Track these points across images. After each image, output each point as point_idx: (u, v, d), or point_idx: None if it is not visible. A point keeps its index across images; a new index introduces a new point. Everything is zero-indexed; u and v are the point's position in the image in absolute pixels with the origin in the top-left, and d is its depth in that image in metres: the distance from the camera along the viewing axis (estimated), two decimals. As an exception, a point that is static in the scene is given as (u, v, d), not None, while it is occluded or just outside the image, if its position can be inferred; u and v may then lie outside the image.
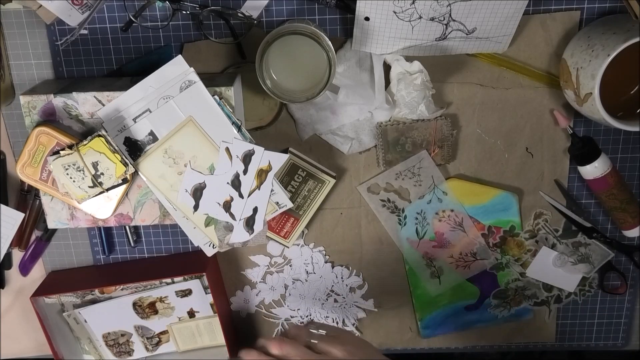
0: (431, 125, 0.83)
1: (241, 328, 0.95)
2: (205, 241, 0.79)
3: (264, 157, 0.75)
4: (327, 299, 0.93)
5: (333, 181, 0.84)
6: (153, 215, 0.80)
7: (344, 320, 0.94)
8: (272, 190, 0.77)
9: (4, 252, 0.85)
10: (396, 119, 0.82)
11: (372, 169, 0.86)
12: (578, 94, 0.74)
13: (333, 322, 0.94)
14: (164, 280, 0.88)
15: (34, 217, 0.87)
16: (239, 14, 0.77)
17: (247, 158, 0.75)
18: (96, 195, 0.75)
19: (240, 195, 0.77)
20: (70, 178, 0.74)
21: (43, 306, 0.88)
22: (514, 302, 0.93)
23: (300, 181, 0.84)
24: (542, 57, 0.81)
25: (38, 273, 0.92)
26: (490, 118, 0.84)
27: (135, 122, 0.74)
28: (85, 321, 0.91)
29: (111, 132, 0.74)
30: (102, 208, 0.78)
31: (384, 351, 0.97)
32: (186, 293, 0.89)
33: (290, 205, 0.79)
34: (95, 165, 0.73)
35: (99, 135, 0.72)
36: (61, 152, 0.73)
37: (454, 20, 0.74)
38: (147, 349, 0.93)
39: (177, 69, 0.72)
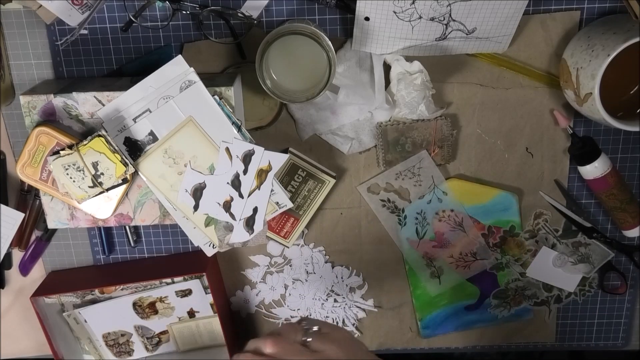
0: (431, 125, 0.83)
1: (241, 328, 0.95)
2: (205, 241, 0.79)
3: (264, 157, 0.75)
4: (327, 299, 0.93)
5: (333, 181, 0.84)
6: (153, 215, 0.80)
7: (344, 320, 0.94)
8: (272, 190, 0.77)
9: (4, 252, 0.85)
10: (396, 119, 0.82)
11: (372, 169, 0.86)
12: (578, 94, 0.74)
13: (333, 322, 0.94)
14: (164, 280, 0.88)
15: (34, 217, 0.87)
16: (239, 14, 0.77)
17: (247, 158, 0.75)
18: (96, 195, 0.75)
19: (240, 195, 0.77)
20: (70, 178, 0.74)
21: (43, 306, 0.88)
22: (514, 302, 0.93)
23: (300, 181, 0.84)
24: (542, 57, 0.81)
25: (38, 273, 0.92)
26: (490, 118, 0.84)
27: (135, 122, 0.74)
28: (85, 321, 0.91)
29: (111, 132, 0.74)
30: (102, 208, 0.78)
31: (384, 351, 0.97)
32: (186, 293, 0.89)
33: (290, 205, 0.79)
34: (95, 165, 0.73)
35: (99, 135, 0.72)
36: (61, 152, 0.73)
37: (454, 20, 0.74)
38: (147, 349, 0.93)
39: (177, 69, 0.72)
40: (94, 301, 0.90)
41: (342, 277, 0.92)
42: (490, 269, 0.91)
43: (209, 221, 0.78)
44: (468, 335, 0.96)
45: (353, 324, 0.94)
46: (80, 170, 0.73)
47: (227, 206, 0.77)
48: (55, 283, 0.89)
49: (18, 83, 0.82)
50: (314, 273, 0.92)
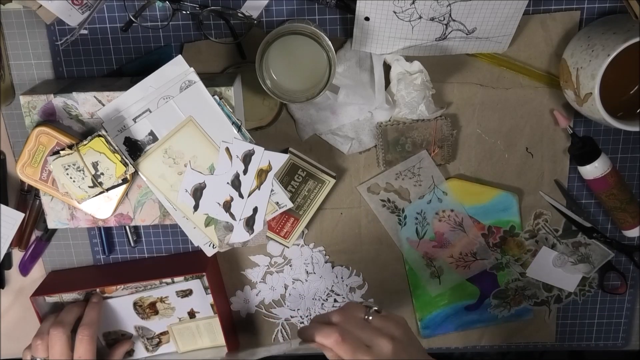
0: (431, 125, 0.83)
1: (241, 328, 0.95)
2: (205, 241, 0.79)
3: (264, 157, 0.75)
4: (327, 299, 0.93)
5: (333, 181, 0.84)
6: (153, 215, 0.80)
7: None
8: (272, 190, 0.77)
9: (4, 252, 0.85)
10: (396, 119, 0.82)
11: (372, 169, 0.86)
12: (578, 94, 0.74)
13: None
14: (164, 280, 0.88)
15: (34, 217, 0.87)
16: (239, 14, 0.77)
17: (247, 158, 0.75)
18: (96, 195, 0.75)
19: (240, 195, 0.77)
20: (70, 178, 0.74)
21: (43, 306, 0.88)
22: (514, 302, 0.93)
23: (300, 181, 0.84)
24: (542, 57, 0.81)
25: (38, 273, 0.92)
26: (490, 118, 0.84)
27: (135, 122, 0.74)
28: None
29: (111, 132, 0.74)
30: (102, 208, 0.78)
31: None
32: (187, 293, 0.89)
33: (290, 205, 0.79)
34: (95, 165, 0.73)
35: (99, 135, 0.72)
36: (61, 152, 0.73)
37: (454, 20, 0.74)
38: (147, 349, 0.93)
39: (177, 69, 0.72)
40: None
41: (342, 277, 0.92)
42: (490, 269, 0.91)
43: (209, 221, 0.78)
44: (468, 335, 0.96)
45: (353, 324, 0.94)
46: (80, 170, 0.73)
47: (227, 206, 0.77)
48: (55, 283, 0.89)
49: (18, 83, 0.82)
50: (314, 273, 0.92)
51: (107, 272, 0.90)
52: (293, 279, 0.92)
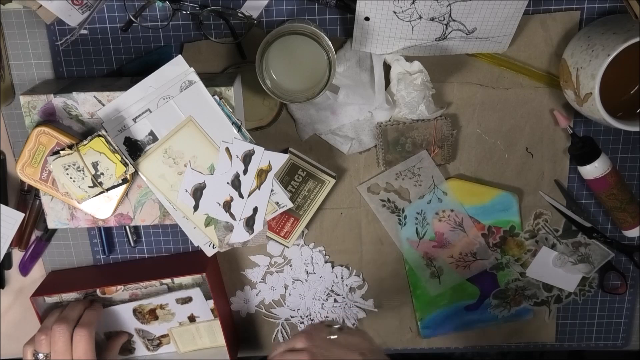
0: (431, 125, 0.83)
1: (241, 328, 0.95)
2: (205, 241, 0.79)
3: (264, 157, 0.75)
4: (327, 299, 0.93)
5: (333, 181, 0.84)
6: (153, 215, 0.80)
7: (344, 320, 0.94)
8: (272, 190, 0.77)
9: (4, 252, 0.85)
10: (396, 119, 0.82)
11: (372, 169, 0.86)
12: (578, 94, 0.74)
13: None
14: (164, 282, 0.88)
15: (34, 217, 0.87)
16: (239, 14, 0.77)
17: (247, 158, 0.75)
18: (96, 195, 0.75)
19: (240, 195, 0.77)
20: (70, 178, 0.74)
21: (43, 306, 0.88)
22: (514, 302, 0.93)
23: (300, 181, 0.84)
24: (542, 57, 0.81)
25: (38, 273, 0.92)
26: (490, 118, 0.84)
27: (135, 122, 0.74)
28: None
29: (111, 132, 0.74)
30: (102, 208, 0.78)
31: (384, 351, 0.97)
32: (186, 300, 0.88)
33: (290, 205, 0.79)
34: (95, 165, 0.73)
35: (99, 135, 0.72)
36: (61, 152, 0.73)
37: (454, 20, 0.74)
38: (148, 348, 0.93)
39: (177, 69, 0.72)
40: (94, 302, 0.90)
41: (342, 277, 0.92)
42: (490, 269, 0.91)
43: (209, 221, 0.78)
44: (468, 335, 0.96)
45: (353, 324, 0.94)
46: (80, 170, 0.73)
47: (227, 206, 0.77)
48: (55, 283, 0.89)
49: (18, 83, 0.82)
50: (314, 273, 0.92)
51: (107, 272, 0.90)
52: (293, 279, 0.92)
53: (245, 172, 0.76)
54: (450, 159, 0.85)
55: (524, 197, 0.88)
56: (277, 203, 0.78)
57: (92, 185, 0.74)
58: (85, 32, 0.79)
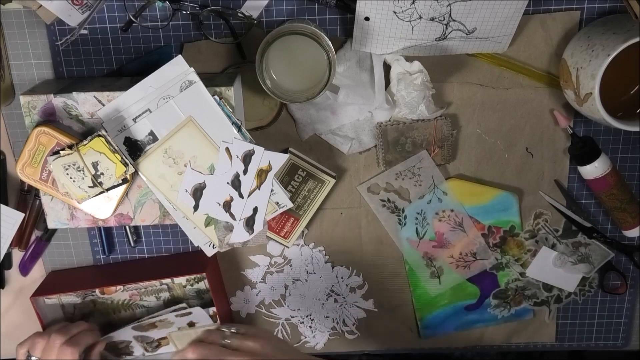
0: (431, 125, 0.83)
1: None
2: (205, 241, 0.79)
3: (264, 157, 0.75)
4: (327, 299, 0.93)
5: (333, 181, 0.84)
6: (153, 215, 0.80)
7: (344, 320, 0.94)
8: (272, 190, 0.77)
9: (4, 252, 0.85)
10: (396, 119, 0.82)
11: (372, 169, 0.86)
12: (578, 94, 0.74)
13: (333, 322, 0.94)
14: (164, 282, 0.88)
15: (34, 217, 0.87)
16: (239, 14, 0.77)
17: (247, 158, 0.75)
18: (96, 195, 0.75)
19: (240, 195, 0.77)
20: (70, 178, 0.74)
21: (43, 306, 0.88)
22: (514, 302, 0.93)
23: (300, 181, 0.84)
24: (542, 57, 0.81)
25: (38, 273, 0.92)
26: (490, 118, 0.84)
27: (135, 122, 0.74)
28: None
29: (111, 132, 0.74)
30: (102, 208, 0.78)
31: (384, 351, 0.97)
32: (185, 314, 0.88)
33: (290, 205, 0.79)
34: (95, 165, 0.73)
35: (99, 135, 0.72)
36: (61, 152, 0.73)
37: (454, 20, 0.74)
38: (146, 350, 0.93)
39: (177, 69, 0.72)
40: (94, 302, 0.90)
41: (342, 277, 0.92)
42: (490, 269, 0.91)
43: (209, 221, 0.78)
44: (468, 335, 0.96)
45: (353, 324, 0.94)
46: (80, 170, 0.73)
47: (227, 206, 0.77)
48: (55, 283, 0.89)
49: (18, 83, 0.82)
50: (314, 273, 0.92)
51: (107, 272, 0.90)
52: (293, 279, 0.92)
53: (245, 172, 0.76)
54: (450, 159, 0.85)
55: (524, 197, 0.88)
56: (277, 203, 0.78)
57: (92, 185, 0.74)
58: (85, 32, 0.79)
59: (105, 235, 0.89)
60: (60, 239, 0.90)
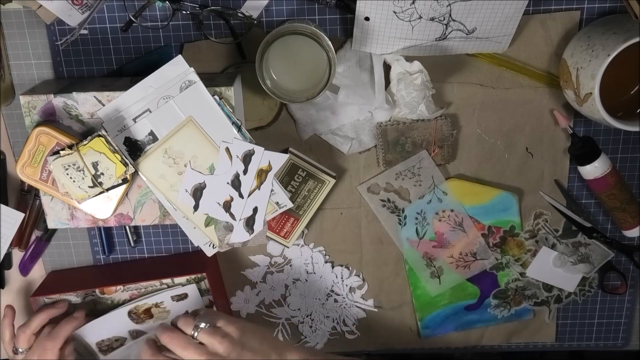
0: (431, 125, 0.83)
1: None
2: (205, 241, 0.79)
3: (264, 157, 0.75)
4: (327, 299, 0.93)
5: (333, 181, 0.84)
6: (153, 215, 0.80)
7: (344, 320, 0.94)
8: (272, 190, 0.77)
9: (4, 252, 0.85)
10: (396, 119, 0.82)
11: (372, 169, 0.86)
12: (578, 94, 0.74)
13: (333, 322, 0.94)
14: (164, 282, 0.88)
15: (34, 217, 0.87)
16: (239, 14, 0.77)
17: (247, 158, 0.75)
18: (96, 195, 0.75)
19: (240, 195, 0.77)
20: (70, 178, 0.74)
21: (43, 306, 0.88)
22: (514, 302, 0.93)
23: (300, 181, 0.84)
24: (542, 57, 0.81)
25: (38, 273, 0.92)
26: (490, 118, 0.84)
27: (135, 122, 0.74)
28: (82, 338, 0.89)
29: (111, 132, 0.74)
30: (102, 208, 0.78)
31: (384, 351, 0.97)
32: (182, 297, 0.88)
33: (290, 205, 0.79)
34: (95, 165, 0.73)
35: (99, 135, 0.72)
36: (61, 152, 0.73)
37: (454, 20, 0.74)
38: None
39: (177, 69, 0.72)
40: (94, 302, 0.90)
41: (342, 277, 0.92)
42: (490, 269, 0.91)
43: (209, 221, 0.78)
44: (468, 335, 0.96)
45: (353, 324, 0.94)
46: (80, 170, 0.73)
47: (227, 206, 0.77)
48: (55, 283, 0.89)
49: (18, 83, 0.82)
50: (314, 273, 0.92)
51: (107, 272, 0.90)
52: (293, 279, 0.92)
53: (245, 172, 0.76)
54: (450, 159, 0.85)
55: (524, 197, 0.88)
56: (277, 203, 0.78)
57: (92, 185, 0.74)
58: (85, 32, 0.79)
59: (105, 235, 0.89)
60: (60, 239, 0.90)
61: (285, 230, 0.87)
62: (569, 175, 0.87)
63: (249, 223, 0.78)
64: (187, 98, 0.73)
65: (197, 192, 0.76)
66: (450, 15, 0.74)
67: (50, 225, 0.80)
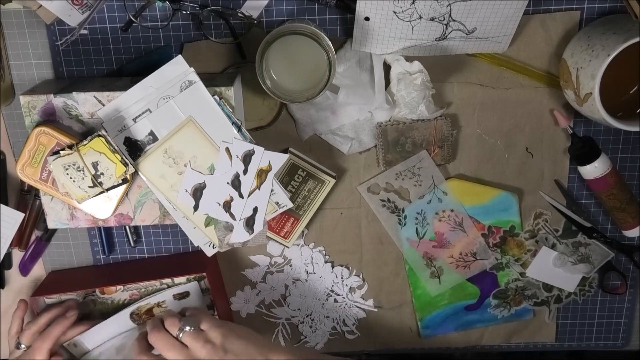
0: (431, 125, 0.83)
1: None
2: (205, 241, 0.79)
3: (264, 157, 0.75)
4: (327, 299, 0.93)
5: (333, 181, 0.84)
6: (153, 215, 0.80)
7: (344, 320, 0.94)
8: (272, 190, 0.77)
9: (4, 252, 0.85)
10: (396, 119, 0.82)
11: (372, 169, 0.86)
12: (578, 94, 0.74)
13: (333, 322, 0.94)
14: (164, 282, 0.88)
15: (34, 217, 0.87)
16: (239, 14, 0.77)
17: (247, 158, 0.75)
18: (96, 195, 0.75)
19: (240, 195, 0.77)
20: (70, 178, 0.74)
21: (43, 306, 0.88)
22: (514, 302, 0.93)
23: (300, 181, 0.84)
24: (542, 57, 0.81)
25: (38, 273, 0.92)
26: (490, 118, 0.84)
27: (135, 122, 0.74)
28: (83, 344, 0.89)
29: (111, 132, 0.74)
30: (102, 208, 0.78)
31: (384, 351, 0.97)
32: (183, 295, 0.88)
33: (290, 205, 0.79)
34: (95, 165, 0.73)
35: (99, 135, 0.72)
36: (61, 152, 0.73)
37: (454, 20, 0.74)
38: None
39: (177, 69, 0.72)
40: (94, 302, 0.90)
41: (342, 277, 0.92)
42: (490, 269, 0.91)
43: (209, 221, 0.78)
44: (468, 335, 0.96)
45: (353, 324, 0.94)
46: (80, 170, 0.73)
47: (227, 206, 0.77)
48: (55, 283, 0.89)
49: (18, 83, 0.82)
50: (314, 273, 0.92)
51: (107, 272, 0.90)
52: (293, 279, 0.92)
53: (245, 172, 0.76)
54: (450, 159, 0.85)
55: (524, 197, 0.88)
56: (277, 203, 0.78)
57: (92, 185, 0.74)
58: (85, 32, 0.79)
59: (105, 235, 0.89)
60: (60, 239, 0.90)
61: (285, 230, 0.87)
62: (569, 175, 0.87)
63: (249, 223, 0.78)
64: (187, 98, 0.73)
65: (197, 192, 0.76)
66: (450, 15, 0.74)
67: (50, 225, 0.80)
